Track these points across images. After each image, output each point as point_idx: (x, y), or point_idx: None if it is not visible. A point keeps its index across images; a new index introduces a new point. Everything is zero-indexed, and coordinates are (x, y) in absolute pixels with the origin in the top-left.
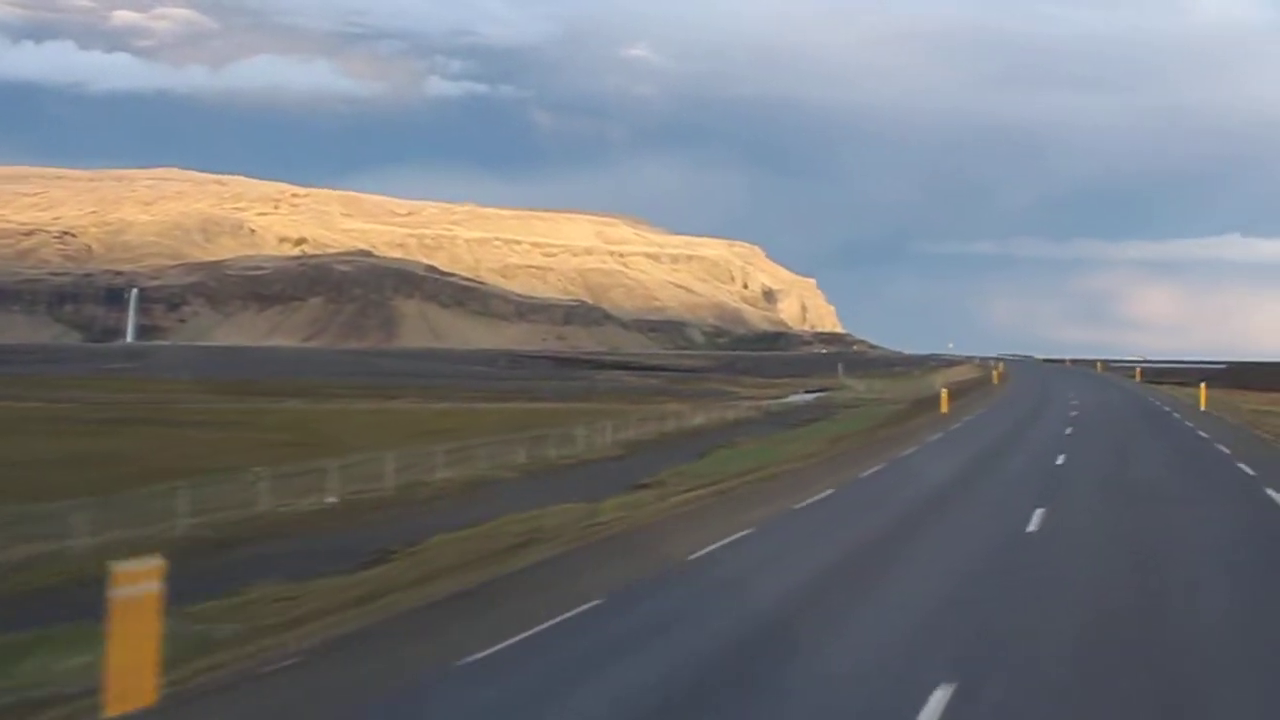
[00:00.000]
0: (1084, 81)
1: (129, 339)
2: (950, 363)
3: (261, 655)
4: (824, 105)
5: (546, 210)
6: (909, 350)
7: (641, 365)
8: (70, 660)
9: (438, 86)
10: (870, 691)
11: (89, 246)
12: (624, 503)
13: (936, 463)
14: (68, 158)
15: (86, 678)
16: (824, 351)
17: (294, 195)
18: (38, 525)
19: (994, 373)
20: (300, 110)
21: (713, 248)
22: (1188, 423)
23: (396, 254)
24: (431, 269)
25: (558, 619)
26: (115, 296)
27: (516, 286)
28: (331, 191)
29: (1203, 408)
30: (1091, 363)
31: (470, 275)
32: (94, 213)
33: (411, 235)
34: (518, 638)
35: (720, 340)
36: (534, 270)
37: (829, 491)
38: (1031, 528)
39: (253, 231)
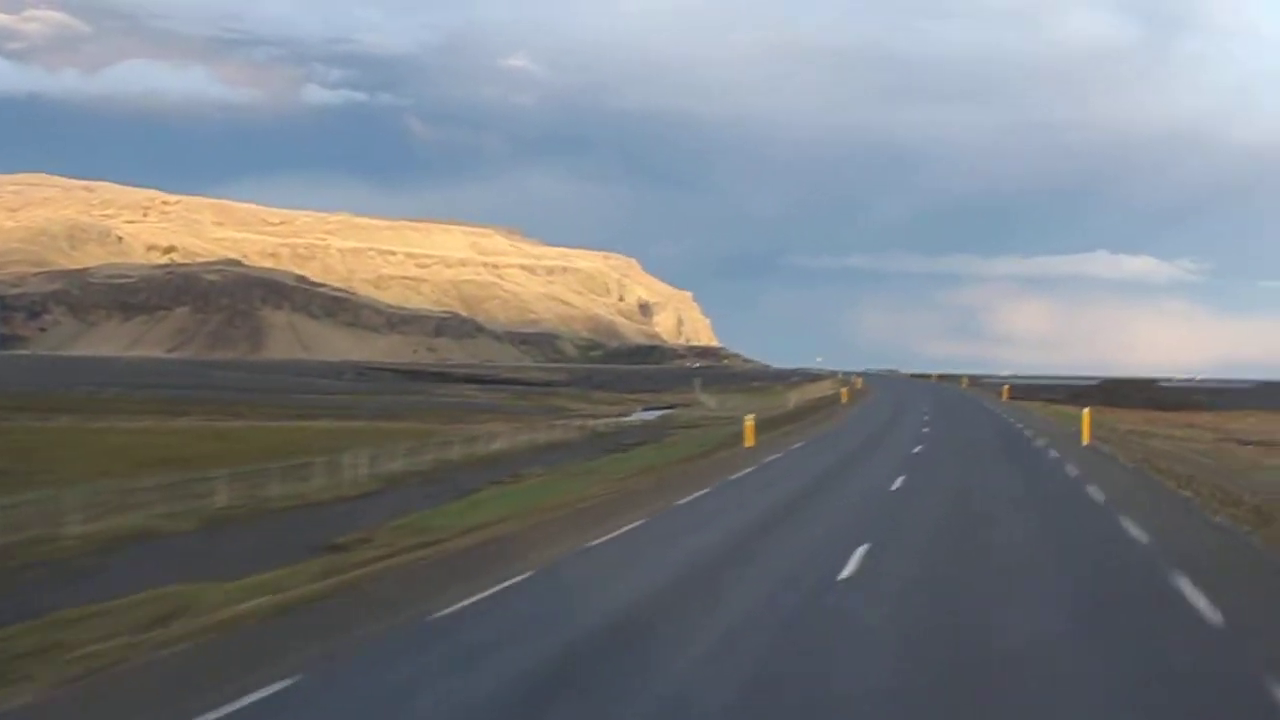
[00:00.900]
0: (956, 98)
1: None
2: (815, 378)
3: None
4: (701, 118)
5: (422, 220)
6: (780, 364)
7: (494, 379)
8: None
9: (316, 94)
10: None
11: None
12: (263, 582)
13: (718, 519)
14: None
15: None
16: (692, 365)
17: (164, 203)
18: None
19: (842, 391)
20: (175, 117)
21: (589, 260)
22: (1068, 467)
23: (269, 263)
24: (302, 279)
25: None
26: None
27: (390, 297)
28: (204, 199)
29: (1085, 441)
30: (958, 378)
31: (343, 286)
32: None
33: (284, 244)
34: None
35: (594, 353)
36: (408, 281)
37: (558, 556)
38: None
39: (120, 239)
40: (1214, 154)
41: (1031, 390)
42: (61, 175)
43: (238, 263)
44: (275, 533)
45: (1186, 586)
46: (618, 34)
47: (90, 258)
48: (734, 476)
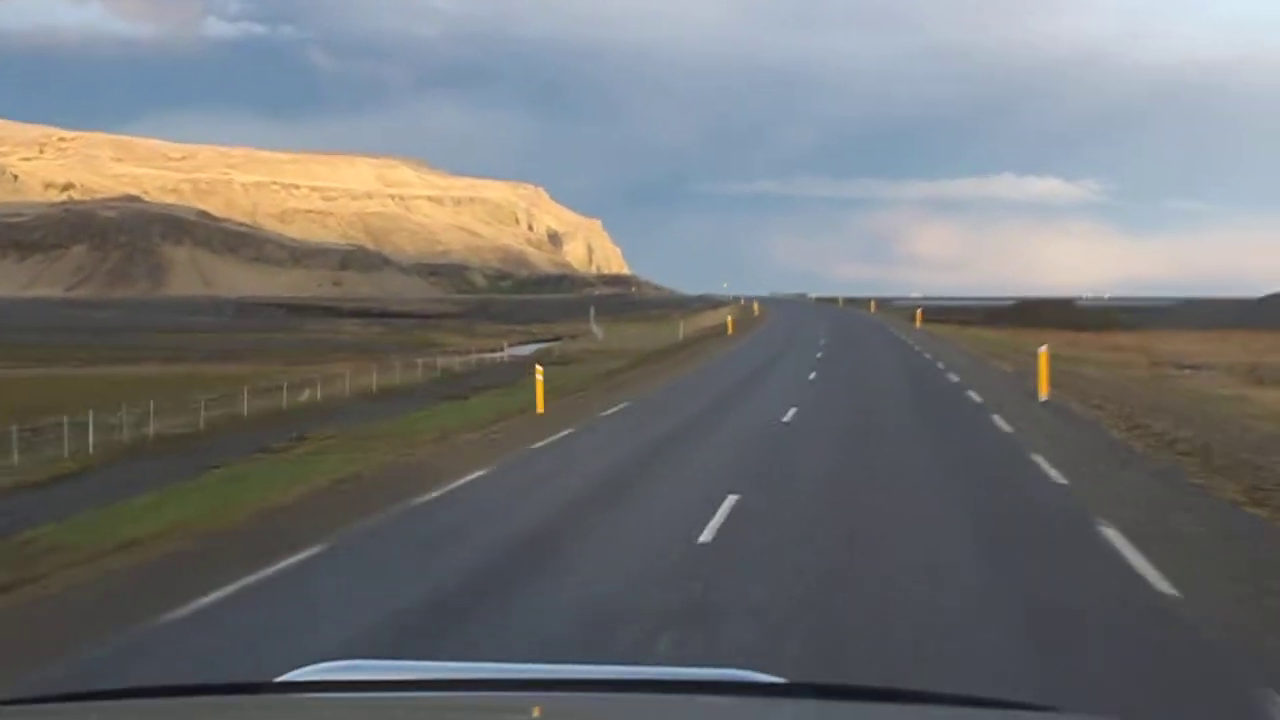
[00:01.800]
0: (859, 24)
1: None
2: (716, 304)
3: None
4: (605, 47)
5: (326, 153)
6: (692, 291)
7: (382, 313)
8: None
9: (215, 28)
10: None
11: None
12: None
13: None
14: None
15: None
16: (596, 294)
17: (61, 139)
18: None
19: (728, 320)
20: (71, 52)
21: (496, 190)
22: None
23: (170, 199)
24: (203, 214)
25: None
26: None
27: (295, 231)
28: (102, 135)
29: (1043, 395)
30: (866, 301)
31: (247, 220)
32: None
33: (186, 180)
34: None
35: (503, 284)
36: (313, 215)
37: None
38: None
39: (15, 178)
40: (1115, 77)
41: (944, 312)
42: None
43: (137, 199)
44: None
45: None
46: None
47: None
48: (538, 445)
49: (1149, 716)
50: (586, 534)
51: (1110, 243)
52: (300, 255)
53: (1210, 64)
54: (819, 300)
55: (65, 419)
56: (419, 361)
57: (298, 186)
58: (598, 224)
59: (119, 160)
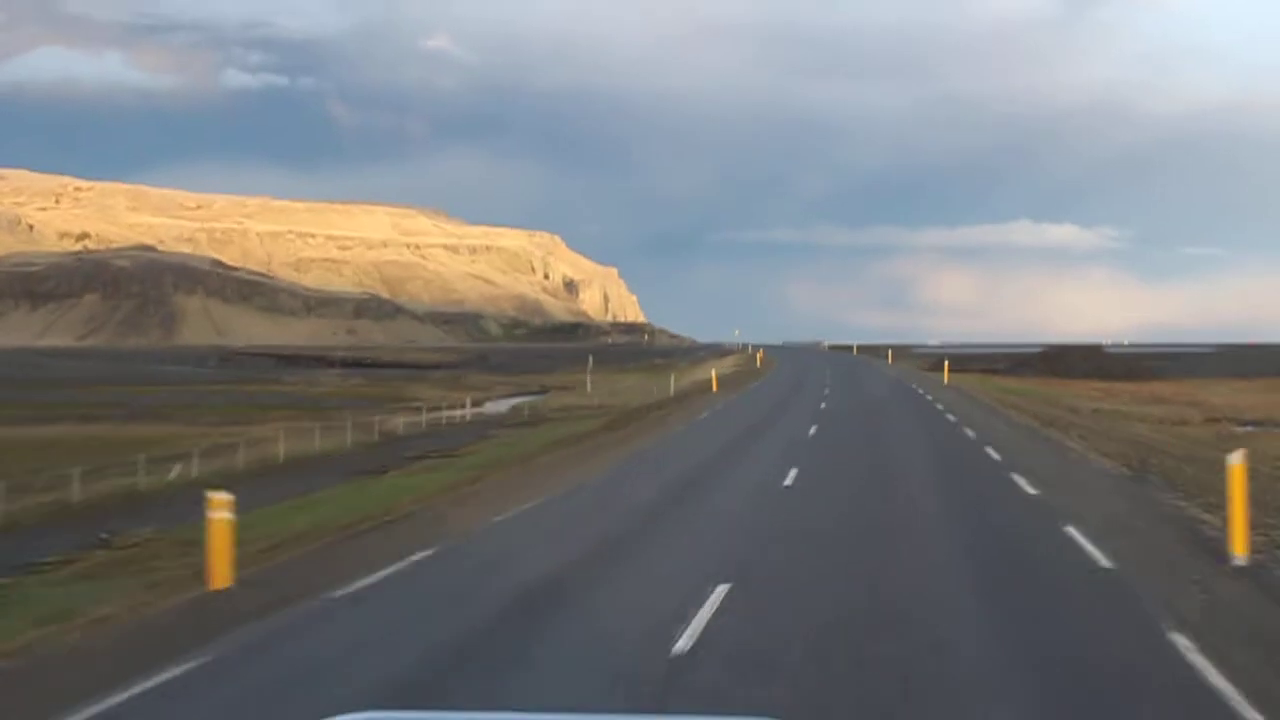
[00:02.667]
0: (876, 72)
1: None
2: (723, 353)
3: None
4: (623, 97)
5: (343, 203)
6: (707, 339)
7: (374, 363)
8: None
9: (236, 79)
10: None
11: None
12: None
13: None
14: None
15: None
16: (611, 342)
17: (77, 189)
18: None
19: (713, 377)
20: (91, 104)
21: (512, 239)
22: None
23: (186, 249)
24: (217, 263)
25: None
26: None
27: (311, 280)
28: (118, 185)
29: (1240, 555)
30: (883, 350)
31: (262, 270)
32: None
33: (201, 229)
34: None
35: (518, 332)
36: (329, 264)
37: None
38: None
39: (31, 228)
40: (1131, 124)
41: (965, 360)
42: None
43: (151, 248)
44: None
45: None
46: (539, 14)
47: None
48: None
49: None
50: None
51: (1128, 289)
52: (314, 304)
53: (1224, 110)
54: (832, 348)
55: None
56: (375, 420)
57: (314, 236)
58: (614, 272)
59: (134, 210)
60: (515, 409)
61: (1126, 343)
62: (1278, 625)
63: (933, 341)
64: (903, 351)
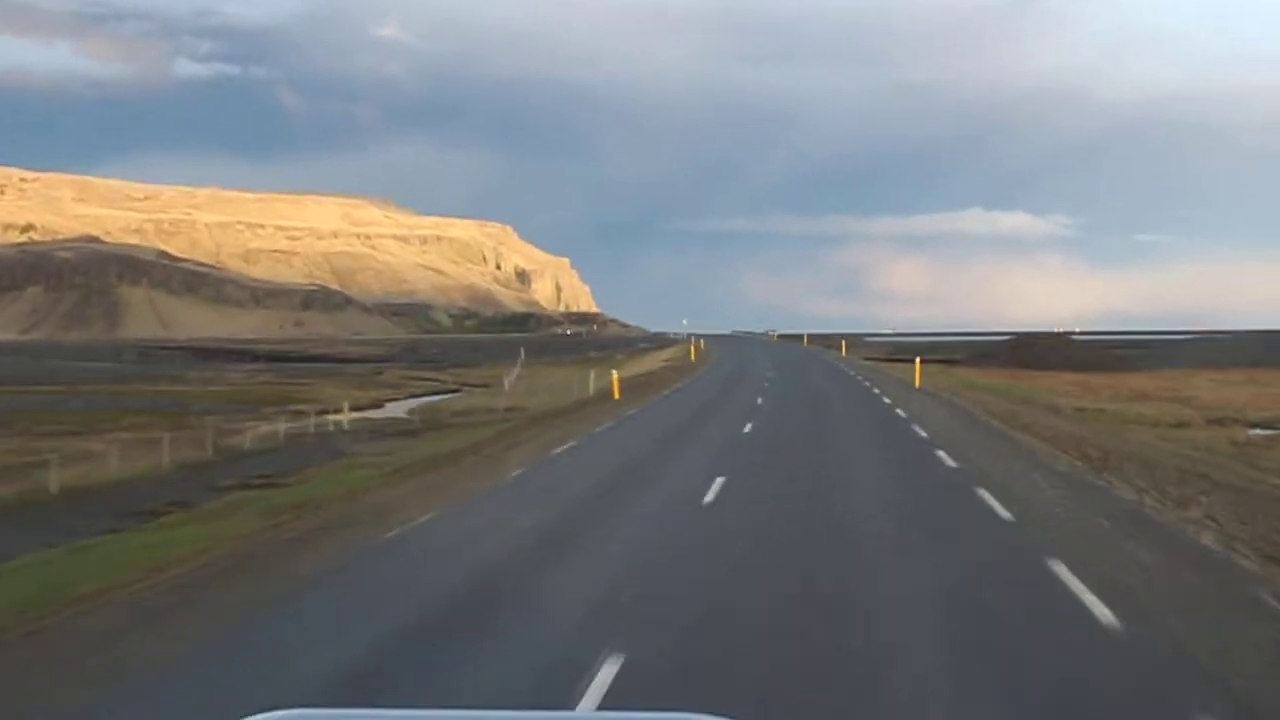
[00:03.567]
0: (826, 60)
1: None
2: (662, 344)
3: None
4: (573, 85)
5: (292, 193)
6: (660, 328)
7: (300, 356)
8: None
9: (187, 68)
10: None
11: None
12: None
13: None
14: None
15: None
16: (561, 331)
17: (22, 180)
18: None
19: (613, 381)
20: (41, 94)
21: (464, 229)
22: None
23: (133, 240)
24: (163, 255)
25: None
26: None
27: (260, 271)
28: (64, 176)
29: None
30: (835, 339)
31: (211, 261)
32: None
33: (149, 220)
34: None
35: (468, 322)
36: (278, 254)
37: None
38: None
39: None
40: (1082, 112)
41: (921, 350)
42: None
43: (95, 239)
44: None
45: None
46: (489, 2)
47: None
48: None
49: None
50: None
51: (1081, 276)
52: (262, 296)
53: (1174, 99)
54: (782, 338)
55: None
56: (235, 427)
57: (263, 226)
58: (566, 262)
59: (81, 201)
60: (411, 412)
61: (1079, 330)
62: None
63: (885, 330)
64: (856, 340)
